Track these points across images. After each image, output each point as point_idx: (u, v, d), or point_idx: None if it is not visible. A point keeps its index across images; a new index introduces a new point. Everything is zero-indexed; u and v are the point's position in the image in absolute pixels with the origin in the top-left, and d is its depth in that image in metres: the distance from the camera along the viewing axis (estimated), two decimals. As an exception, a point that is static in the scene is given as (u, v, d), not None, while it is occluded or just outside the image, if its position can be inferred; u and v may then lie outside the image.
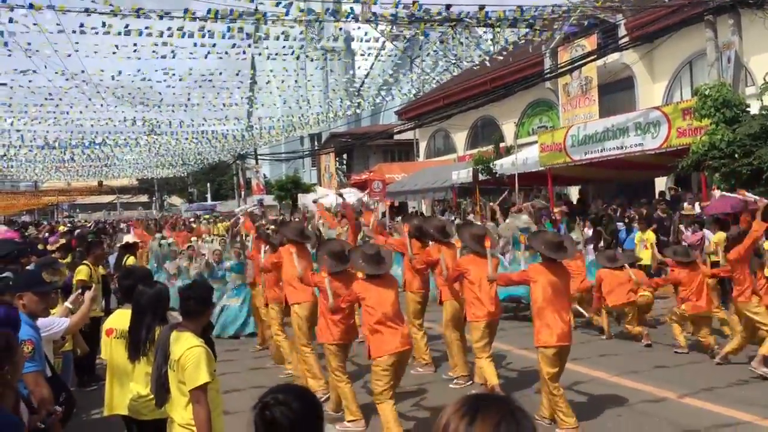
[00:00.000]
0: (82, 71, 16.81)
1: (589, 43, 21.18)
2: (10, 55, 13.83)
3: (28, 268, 8.47)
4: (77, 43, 14.50)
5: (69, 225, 30.12)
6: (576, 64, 19.73)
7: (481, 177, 20.78)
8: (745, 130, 12.45)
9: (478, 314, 7.39)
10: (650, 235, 13.47)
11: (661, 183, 20.01)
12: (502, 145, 26.09)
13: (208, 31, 14.52)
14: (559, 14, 16.66)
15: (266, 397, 1.96)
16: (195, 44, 14.97)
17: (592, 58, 19.08)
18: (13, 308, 4.28)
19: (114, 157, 35.79)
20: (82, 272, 8.76)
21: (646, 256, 13.22)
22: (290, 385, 2.08)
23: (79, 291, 6.24)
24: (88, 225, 31.68)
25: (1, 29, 11.80)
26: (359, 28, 19.55)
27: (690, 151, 13.55)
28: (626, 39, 18.79)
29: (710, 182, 14.22)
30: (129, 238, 11.98)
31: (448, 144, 32.85)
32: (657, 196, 18.42)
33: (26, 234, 25.10)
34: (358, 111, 26.94)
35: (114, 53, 14.82)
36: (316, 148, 43.94)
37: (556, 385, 6.36)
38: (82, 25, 13.18)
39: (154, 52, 14.96)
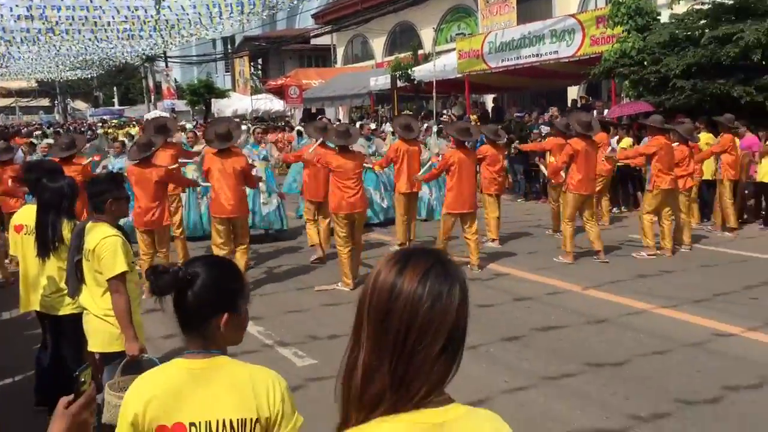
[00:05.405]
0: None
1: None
2: None
3: None
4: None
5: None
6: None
7: (399, 83, 20.68)
8: (654, 38, 12.82)
9: None
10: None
11: (573, 92, 20.46)
12: (420, 51, 25.84)
13: None
14: None
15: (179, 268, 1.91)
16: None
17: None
18: None
19: (9, 57, 33.31)
20: None
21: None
22: (205, 257, 2.03)
23: None
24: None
25: None
26: None
27: (602, 59, 13.88)
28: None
29: (619, 90, 14.68)
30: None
31: (366, 50, 32.32)
32: (569, 105, 18.87)
33: None
34: (272, 13, 25.93)
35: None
36: (230, 51, 42.32)
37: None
38: None
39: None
